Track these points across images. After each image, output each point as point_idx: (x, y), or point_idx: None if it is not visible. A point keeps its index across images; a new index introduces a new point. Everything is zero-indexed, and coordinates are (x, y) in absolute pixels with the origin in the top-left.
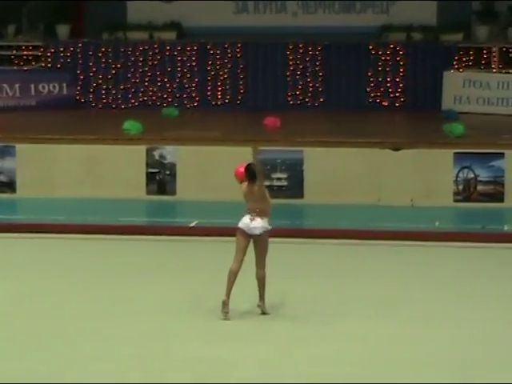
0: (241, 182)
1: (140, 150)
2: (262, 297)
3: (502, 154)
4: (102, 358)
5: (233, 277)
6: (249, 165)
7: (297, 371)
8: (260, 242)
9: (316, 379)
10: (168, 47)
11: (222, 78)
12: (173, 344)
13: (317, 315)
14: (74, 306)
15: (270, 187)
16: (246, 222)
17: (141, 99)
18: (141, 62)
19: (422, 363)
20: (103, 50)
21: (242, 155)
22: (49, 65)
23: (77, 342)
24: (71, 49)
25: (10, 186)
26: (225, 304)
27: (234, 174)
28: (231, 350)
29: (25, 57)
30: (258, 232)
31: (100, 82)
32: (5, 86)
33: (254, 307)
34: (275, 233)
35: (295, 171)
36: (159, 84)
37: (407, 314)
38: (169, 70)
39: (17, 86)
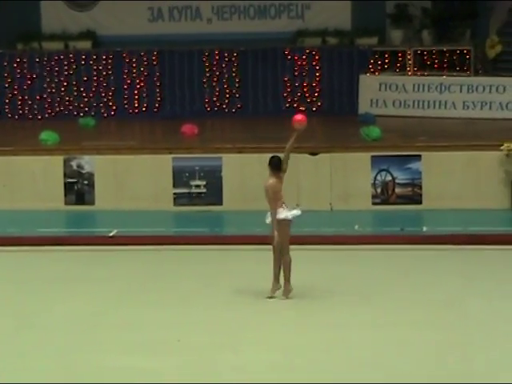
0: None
1: (57, 160)
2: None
3: (419, 156)
4: (18, 369)
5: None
6: (273, 157)
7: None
8: None
9: None
10: (83, 56)
11: (138, 86)
12: (89, 355)
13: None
14: None
15: (188, 194)
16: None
17: (57, 109)
18: (56, 71)
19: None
20: (18, 60)
21: (159, 163)
22: None
23: None
24: None
25: None
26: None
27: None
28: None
29: None
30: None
31: (15, 92)
32: None
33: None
34: (194, 240)
35: (214, 178)
36: (75, 94)
37: (320, 320)
38: (85, 79)
39: None
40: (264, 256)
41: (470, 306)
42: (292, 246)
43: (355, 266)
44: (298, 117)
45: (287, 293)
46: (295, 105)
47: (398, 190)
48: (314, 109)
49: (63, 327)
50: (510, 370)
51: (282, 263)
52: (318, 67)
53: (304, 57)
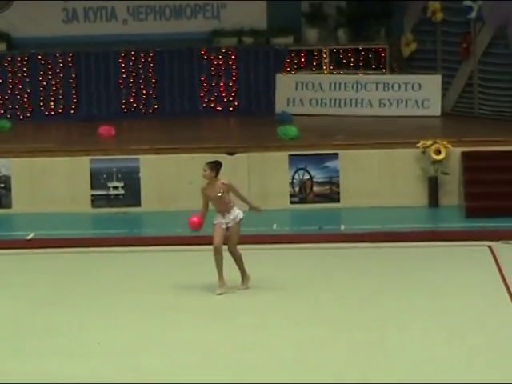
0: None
1: None
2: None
3: (336, 154)
4: None
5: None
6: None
7: None
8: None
9: None
10: None
11: (54, 88)
12: (7, 361)
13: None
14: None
15: (106, 196)
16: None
17: None
18: None
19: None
20: None
21: (76, 165)
22: None
23: None
24: None
25: None
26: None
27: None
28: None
29: None
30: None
31: None
32: None
33: None
34: (113, 242)
35: (132, 179)
36: None
37: (242, 320)
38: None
39: None
40: (183, 256)
41: (387, 304)
42: (206, 247)
43: (274, 266)
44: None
45: (247, 281)
46: (212, 105)
47: (315, 189)
48: (231, 108)
49: None
50: (429, 366)
51: (237, 259)
52: (234, 67)
53: (220, 57)
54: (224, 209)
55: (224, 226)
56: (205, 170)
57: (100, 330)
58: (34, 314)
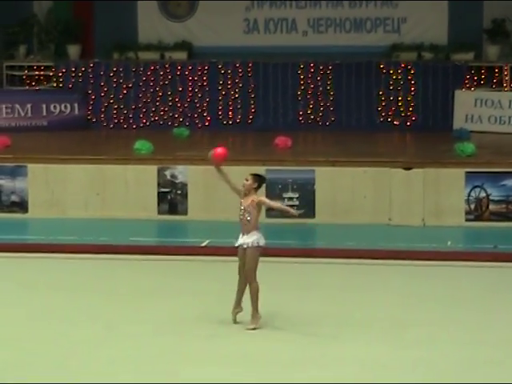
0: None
1: (151, 169)
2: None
3: None
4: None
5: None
6: (260, 175)
7: None
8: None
9: None
10: (179, 67)
11: (232, 97)
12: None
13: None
14: (79, 327)
15: None
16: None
17: (152, 119)
18: (152, 81)
19: None
20: (114, 69)
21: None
22: (60, 85)
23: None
24: (82, 69)
25: (21, 205)
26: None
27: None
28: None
29: (36, 77)
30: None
31: (111, 102)
32: (17, 106)
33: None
34: (285, 252)
35: (306, 191)
36: (170, 104)
37: (413, 335)
38: (180, 89)
39: (28, 106)
40: (356, 270)
41: None
42: (385, 261)
43: (447, 282)
44: (218, 152)
45: (256, 321)
46: (389, 119)
47: (491, 207)
48: (409, 123)
49: (149, 335)
50: None
51: (250, 290)
52: (412, 82)
53: (399, 71)
54: (244, 228)
55: (236, 245)
56: (247, 180)
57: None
58: (208, 317)
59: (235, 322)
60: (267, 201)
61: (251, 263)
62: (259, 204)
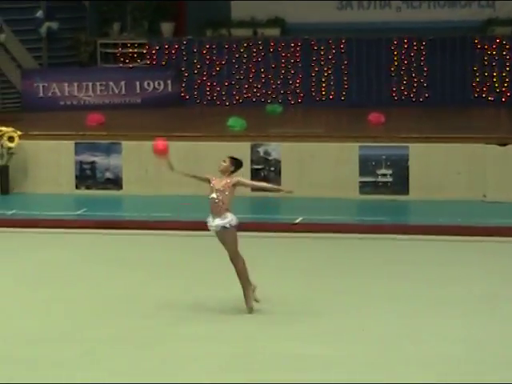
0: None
1: (244, 146)
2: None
3: None
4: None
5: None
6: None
7: None
8: None
9: None
10: (272, 44)
11: (325, 74)
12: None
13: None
14: (173, 306)
15: (374, 183)
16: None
17: (245, 96)
18: (245, 58)
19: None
20: (207, 47)
21: (345, 151)
22: (153, 62)
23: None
24: (175, 46)
25: (116, 182)
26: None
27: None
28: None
29: (130, 54)
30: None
31: (204, 79)
32: (111, 83)
33: None
34: (375, 229)
35: (400, 167)
36: (263, 81)
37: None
38: (273, 66)
39: (122, 83)
40: (451, 246)
41: None
42: (476, 238)
43: None
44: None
45: (249, 301)
46: (483, 95)
47: None
48: (503, 99)
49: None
50: None
51: (237, 271)
52: (507, 57)
53: (494, 46)
54: (215, 210)
55: (211, 229)
56: (224, 162)
57: (365, 315)
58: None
59: (257, 300)
60: (246, 180)
61: (233, 246)
62: (236, 185)
